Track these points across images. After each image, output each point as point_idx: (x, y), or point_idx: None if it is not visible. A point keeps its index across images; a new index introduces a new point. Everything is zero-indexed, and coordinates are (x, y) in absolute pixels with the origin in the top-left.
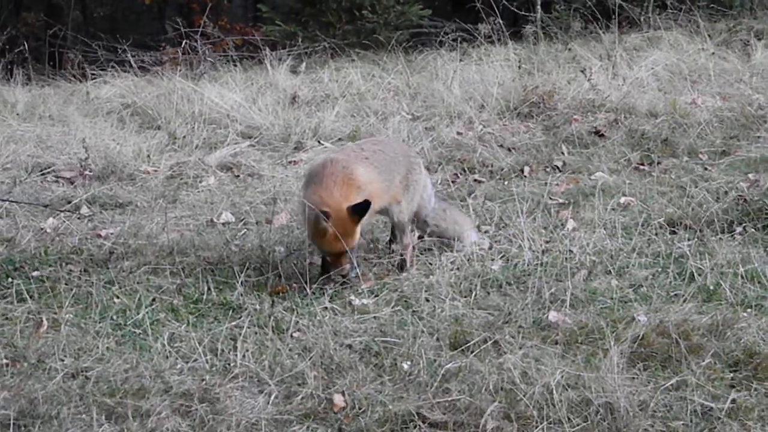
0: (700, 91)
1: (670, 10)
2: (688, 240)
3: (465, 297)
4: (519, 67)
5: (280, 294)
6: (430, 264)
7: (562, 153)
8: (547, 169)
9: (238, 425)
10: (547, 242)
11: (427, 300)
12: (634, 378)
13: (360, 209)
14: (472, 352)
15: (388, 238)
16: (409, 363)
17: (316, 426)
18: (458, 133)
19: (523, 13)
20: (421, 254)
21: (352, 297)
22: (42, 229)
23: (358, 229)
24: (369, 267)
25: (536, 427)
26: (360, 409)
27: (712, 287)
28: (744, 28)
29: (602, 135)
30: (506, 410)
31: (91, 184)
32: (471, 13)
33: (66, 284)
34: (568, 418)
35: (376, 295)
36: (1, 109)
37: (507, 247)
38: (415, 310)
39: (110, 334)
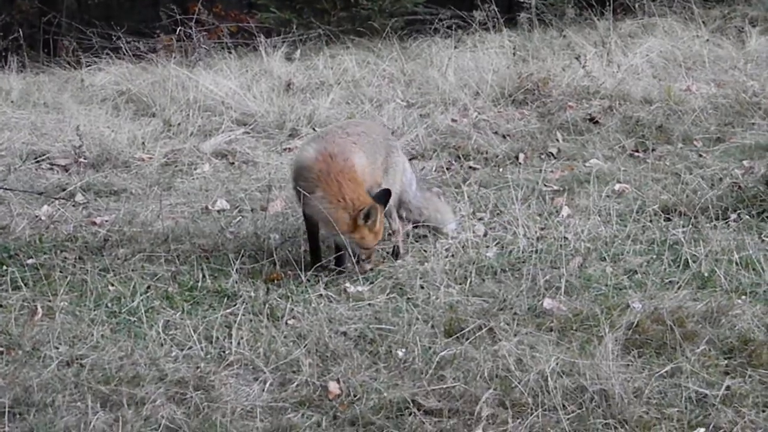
0: (694, 78)
1: None
2: (683, 227)
3: (460, 284)
4: (514, 54)
5: (275, 281)
6: (425, 251)
7: (557, 140)
8: (542, 156)
9: (233, 412)
10: (542, 229)
11: (422, 287)
12: (628, 365)
13: (384, 198)
14: (467, 339)
15: None
16: (404, 350)
17: (311, 413)
18: (453, 120)
19: None
20: (416, 241)
21: (347, 284)
22: (37, 216)
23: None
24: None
25: (531, 414)
26: (355, 396)
27: (706, 274)
28: (739, 14)
29: (597, 122)
30: (501, 397)
31: (86, 172)
32: (466, 0)
33: (61, 272)
34: (563, 405)
35: (371, 283)
36: None
37: (502, 234)
38: (410, 298)
39: (105, 322)
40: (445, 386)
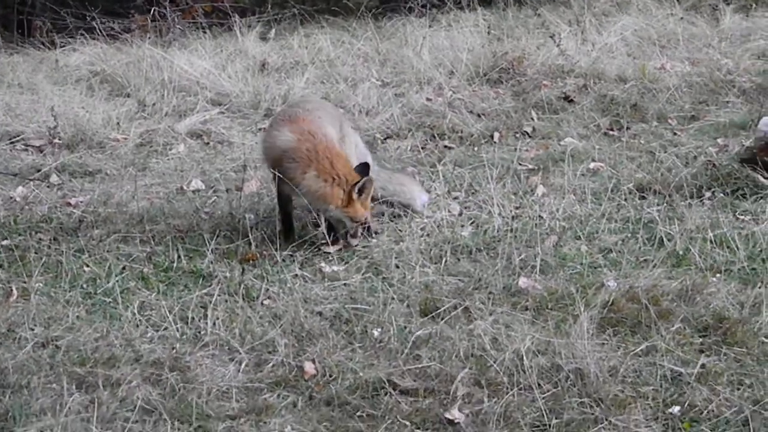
0: (669, 56)
1: None
2: (658, 205)
3: (435, 263)
4: (488, 33)
5: (251, 261)
6: (400, 231)
7: (532, 119)
8: (517, 135)
9: (208, 393)
10: (517, 208)
11: (397, 267)
12: (603, 344)
13: (366, 171)
14: (442, 319)
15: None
16: (379, 330)
17: (286, 393)
18: (428, 99)
19: None
20: (391, 221)
21: (323, 264)
22: (11, 197)
23: None
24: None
25: (506, 393)
26: (330, 376)
27: (681, 252)
28: None
29: (571, 100)
30: (477, 376)
31: (61, 153)
32: None
33: (36, 253)
34: (539, 384)
35: (346, 262)
36: None
37: (477, 213)
38: (386, 277)
39: (80, 303)
40: (420, 366)
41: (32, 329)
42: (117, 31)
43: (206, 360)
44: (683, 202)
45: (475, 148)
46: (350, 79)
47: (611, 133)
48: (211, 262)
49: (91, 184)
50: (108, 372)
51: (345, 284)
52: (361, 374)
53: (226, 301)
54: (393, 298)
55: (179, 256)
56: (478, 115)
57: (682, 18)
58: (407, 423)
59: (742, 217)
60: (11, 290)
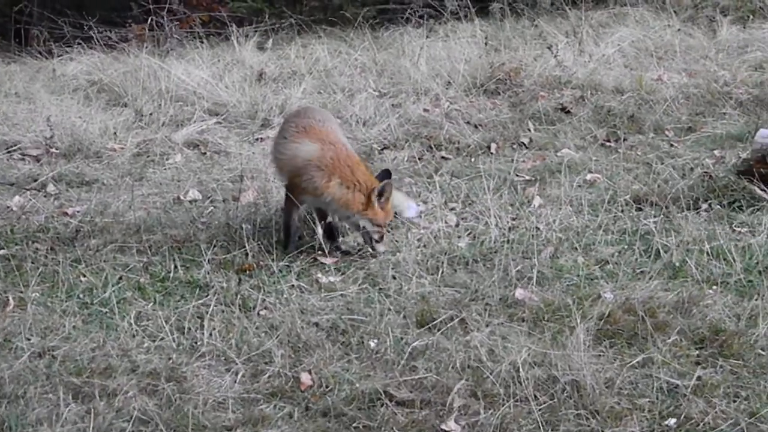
0: (666, 68)
1: None
2: (654, 217)
3: (432, 274)
4: (485, 43)
5: (247, 272)
6: (397, 241)
7: (529, 130)
8: (514, 146)
9: (205, 404)
10: (514, 219)
11: (394, 278)
12: (600, 355)
13: (387, 175)
14: (438, 330)
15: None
16: (376, 341)
17: (283, 404)
18: (425, 110)
19: None
20: (388, 232)
21: (319, 275)
22: (8, 207)
23: None
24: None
25: (503, 405)
26: (327, 387)
27: (677, 264)
28: (710, 4)
29: (568, 111)
30: (473, 388)
31: (58, 162)
32: None
33: (32, 263)
34: (535, 396)
35: (343, 273)
36: None
37: (474, 224)
38: (382, 288)
39: (77, 313)
40: (416, 377)
41: (29, 339)
42: (114, 41)
43: (202, 370)
44: (680, 214)
45: (472, 159)
46: (347, 90)
47: (608, 144)
48: (208, 273)
49: (87, 194)
50: (104, 382)
51: (342, 295)
52: (357, 385)
53: (223, 311)
54: (389, 309)
55: (176, 266)
56: (475, 126)
57: (679, 29)
58: None
59: (738, 229)
60: (8, 300)
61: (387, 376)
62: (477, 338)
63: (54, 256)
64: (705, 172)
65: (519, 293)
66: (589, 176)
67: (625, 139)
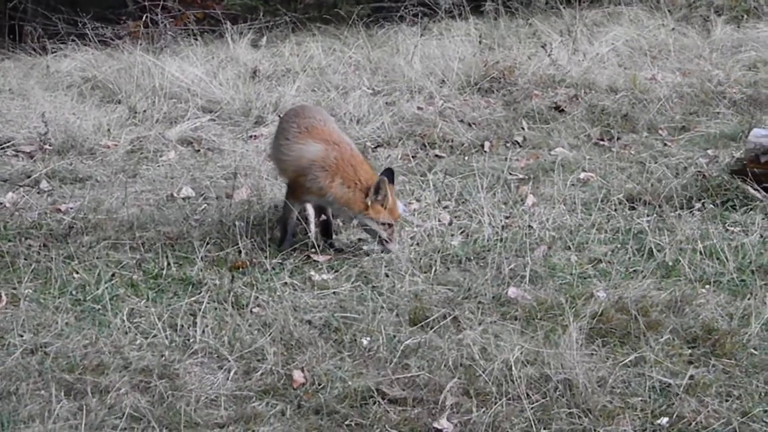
0: (659, 67)
1: None
2: (647, 216)
3: (425, 273)
4: (480, 42)
5: (240, 269)
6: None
7: (523, 128)
8: (508, 145)
9: (197, 401)
10: (507, 218)
11: (387, 275)
12: (592, 354)
13: (391, 176)
14: (431, 328)
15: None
16: (368, 339)
17: (275, 402)
18: (419, 108)
19: None
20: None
21: (312, 272)
22: (1, 203)
23: None
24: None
25: (495, 403)
26: (319, 385)
27: (670, 263)
28: (704, 3)
29: (562, 110)
30: (465, 386)
31: (51, 159)
32: None
33: (25, 259)
34: (527, 394)
35: (336, 271)
36: None
37: (467, 222)
38: (375, 286)
39: (69, 310)
40: (409, 375)
41: (21, 336)
42: (108, 38)
43: (195, 368)
44: (673, 213)
45: (466, 158)
46: (341, 87)
47: (602, 143)
48: (201, 270)
49: (81, 191)
50: (97, 379)
51: (334, 293)
52: (349, 383)
53: (216, 308)
54: (382, 307)
55: (169, 264)
56: (469, 125)
57: (673, 29)
58: None
59: (731, 228)
60: (0, 296)
61: (379, 374)
62: (470, 336)
63: (47, 253)
64: (698, 172)
65: (512, 292)
66: (582, 175)
67: (618, 138)
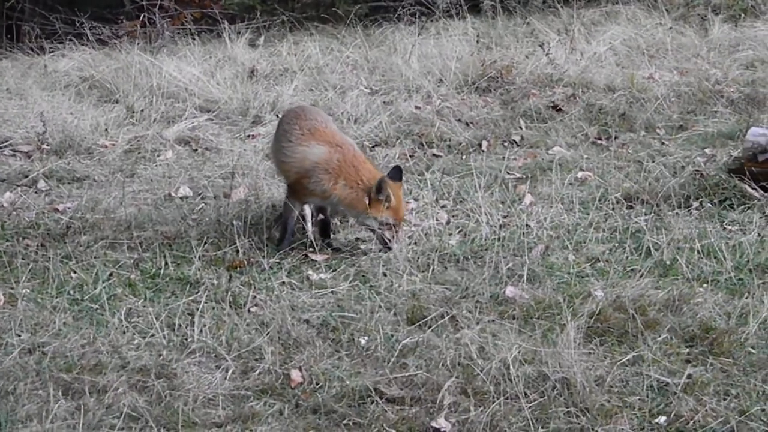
0: (657, 66)
1: None
2: (645, 215)
3: (422, 272)
4: (477, 41)
5: (238, 269)
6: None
7: (520, 127)
8: (505, 144)
9: (195, 400)
10: (505, 217)
11: (385, 275)
12: (590, 353)
13: (398, 175)
14: (429, 327)
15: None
16: (366, 338)
17: (273, 401)
18: (416, 108)
19: None
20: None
21: (310, 272)
22: None
23: None
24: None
25: (493, 403)
26: (317, 384)
27: (668, 262)
28: (701, 2)
29: (560, 109)
30: (463, 385)
31: (49, 158)
32: None
33: (23, 259)
34: (525, 394)
35: (334, 270)
36: None
37: (465, 221)
38: (373, 285)
39: (67, 309)
40: (407, 374)
41: (19, 335)
42: (106, 37)
43: (193, 367)
44: (671, 212)
45: (463, 157)
46: (339, 87)
47: (599, 142)
48: (199, 269)
49: (78, 190)
50: (94, 379)
51: (332, 292)
52: (347, 382)
53: (213, 308)
54: (380, 307)
55: (166, 263)
56: (467, 124)
57: (670, 28)
58: (393, 431)
59: (729, 227)
60: None
61: (377, 374)
62: (467, 336)
63: (44, 253)
64: (696, 171)
65: (510, 291)
66: (580, 174)
67: (616, 137)
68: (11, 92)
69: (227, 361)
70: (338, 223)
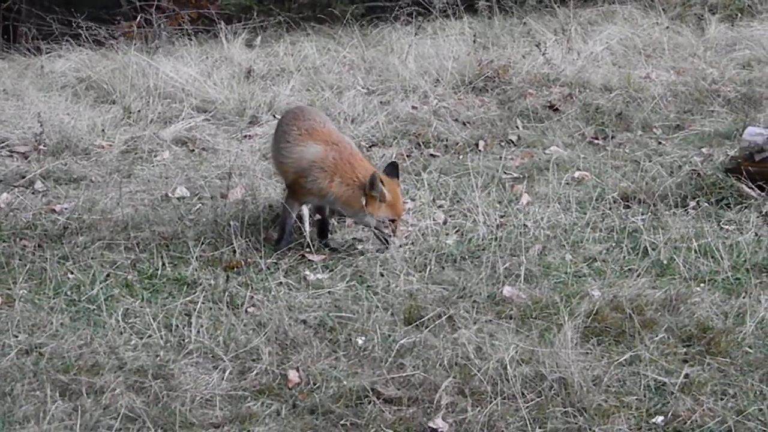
0: (654, 66)
1: None
2: (642, 214)
3: (420, 272)
4: (474, 41)
5: (235, 269)
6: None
7: (517, 127)
8: (502, 144)
9: (192, 401)
10: (502, 217)
11: (382, 275)
12: (587, 353)
13: (395, 171)
14: (426, 328)
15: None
16: (363, 338)
17: (270, 402)
18: (413, 108)
19: None
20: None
21: (307, 272)
22: None
23: None
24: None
25: (490, 403)
26: (314, 384)
27: (665, 262)
28: (698, 2)
29: (557, 109)
30: (460, 385)
31: (46, 159)
32: None
33: (20, 260)
34: (522, 394)
35: (331, 270)
36: None
37: (462, 221)
38: (370, 285)
39: (64, 310)
40: (404, 374)
41: (16, 336)
42: (103, 38)
43: (190, 368)
44: (668, 212)
45: (460, 157)
46: (336, 87)
47: (596, 142)
48: (196, 270)
49: (75, 191)
50: (91, 379)
51: (329, 292)
52: (344, 383)
53: (210, 308)
54: (377, 307)
55: (164, 264)
56: (464, 124)
57: (667, 27)
58: (391, 431)
59: (726, 226)
60: None
61: (374, 374)
62: (465, 336)
63: (41, 253)
64: (693, 170)
65: (507, 291)
66: (577, 174)
67: (613, 137)
68: (8, 93)
69: (224, 361)
70: (335, 224)
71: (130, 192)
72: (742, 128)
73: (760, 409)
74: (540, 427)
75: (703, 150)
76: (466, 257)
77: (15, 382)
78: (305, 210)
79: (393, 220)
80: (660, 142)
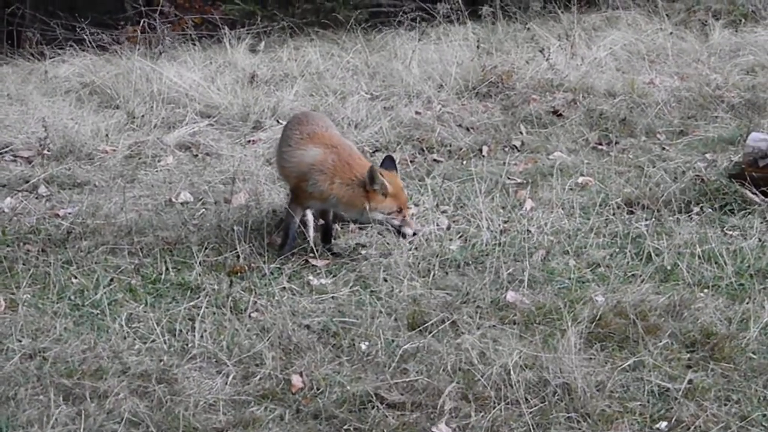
0: (658, 71)
1: None
2: (646, 220)
3: (423, 277)
4: (477, 46)
5: (239, 274)
6: (388, 244)
7: (521, 133)
8: (506, 149)
9: (195, 406)
10: (506, 222)
11: (386, 280)
12: (591, 358)
13: (392, 164)
14: (430, 333)
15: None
16: (367, 343)
17: (274, 406)
18: (417, 113)
19: None
20: (379, 234)
21: (311, 277)
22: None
23: None
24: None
25: (494, 408)
26: (318, 389)
27: (669, 267)
28: (702, 8)
29: (560, 115)
30: (464, 391)
31: (49, 164)
32: None
33: (23, 264)
34: (526, 399)
35: (334, 275)
36: None
37: (465, 227)
38: (374, 291)
39: (68, 315)
40: (408, 379)
41: (20, 340)
42: (107, 43)
43: (193, 372)
44: (671, 217)
45: (464, 162)
46: (339, 92)
47: (600, 147)
48: (199, 275)
49: (79, 196)
50: (95, 384)
51: (333, 297)
52: (348, 388)
53: (214, 313)
54: (381, 312)
55: (167, 268)
56: (467, 129)
57: (671, 33)
58: None
59: (730, 232)
60: None
61: (378, 379)
62: (468, 341)
63: (45, 258)
64: (697, 176)
65: (510, 296)
66: (580, 179)
67: (616, 143)
68: (12, 98)
69: (228, 366)
70: (339, 229)
71: (134, 197)
72: (746, 134)
73: (764, 415)
74: None
75: (707, 156)
76: (470, 262)
77: (19, 387)
78: (309, 215)
79: (400, 210)
80: (664, 148)
